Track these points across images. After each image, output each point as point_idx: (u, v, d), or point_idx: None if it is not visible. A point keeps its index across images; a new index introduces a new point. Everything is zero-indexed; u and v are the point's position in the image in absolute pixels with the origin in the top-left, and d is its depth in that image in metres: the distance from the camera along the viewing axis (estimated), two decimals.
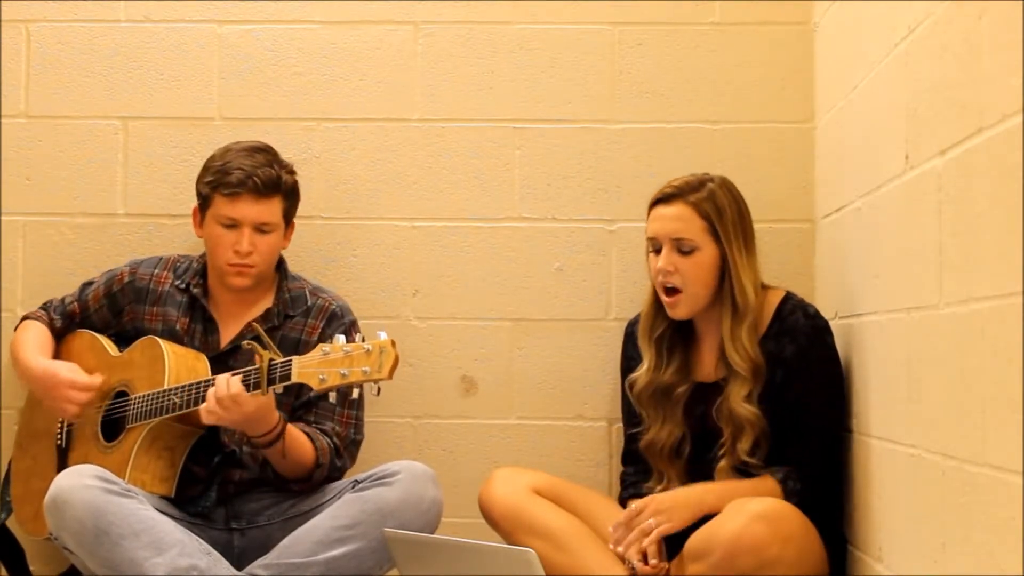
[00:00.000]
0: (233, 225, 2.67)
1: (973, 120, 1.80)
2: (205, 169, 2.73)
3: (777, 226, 2.96)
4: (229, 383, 2.45)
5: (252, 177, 2.64)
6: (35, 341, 2.80)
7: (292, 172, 2.75)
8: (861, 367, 2.50)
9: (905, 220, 2.17)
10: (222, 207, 2.67)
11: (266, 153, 2.72)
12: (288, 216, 2.74)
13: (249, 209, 2.65)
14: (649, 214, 2.63)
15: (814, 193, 3.00)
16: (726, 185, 2.61)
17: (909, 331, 2.13)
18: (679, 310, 2.60)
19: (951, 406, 1.89)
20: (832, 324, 2.62)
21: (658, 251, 2.60)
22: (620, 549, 2.46)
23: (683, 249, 2.56)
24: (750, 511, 2.33)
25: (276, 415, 2.52)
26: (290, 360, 2.41)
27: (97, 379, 2.68)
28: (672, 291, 2.59)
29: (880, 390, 2.36)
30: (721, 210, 2.56)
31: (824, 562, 2.45)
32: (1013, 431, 1.62)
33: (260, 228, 2.67)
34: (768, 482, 2.48)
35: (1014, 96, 1.64)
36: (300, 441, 2.59)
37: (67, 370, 2.69)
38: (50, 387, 2.69)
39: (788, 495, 2.46)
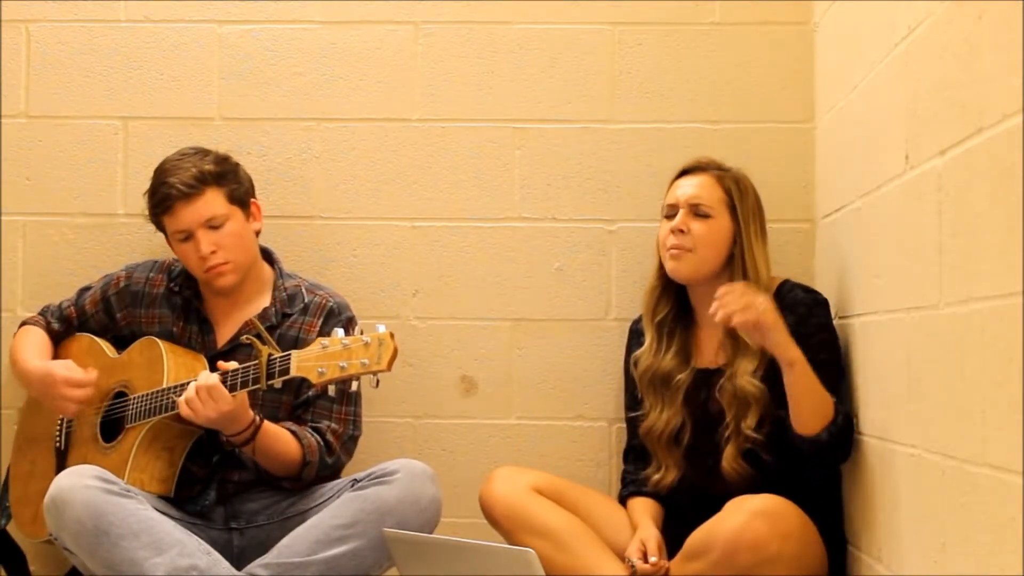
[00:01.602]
0: (187, 236, 2.67)
1: (973, 120, 1.80)
2: (146, 201, 2.73)
3: (777, 226, 2.95)
4: (208, 376, 2.47)
5: (174, 186, 2.65)
6: (33, 345, 2.81)
7: (221, 160, 2.72)
8: (861, 367, 2.50)
9: (905, 220, 2.17)
10: (169, 225, 2.69)
11: (189, 156, 2.71)
12: (237, 199, 2.71)
13: (187, 214, 2.65)
14: (671, 186, 2.68)
15: (814, 193, 3.00)
16: (747, 177, 2.69)
17: (909, 331, 2.13)
18: (682, 265, 2.61)
19: (951, 406, 1.89)
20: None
21: (671, 218, 2.62)
22: (720, 313, 2.38)
23: (699, 213, 2.61)
24: (750, 508, 2.33)
25: (250, 415, 2.53)
26: (289, 354, 2.42)
27: (93, 374, 2.69)
28: (679, 250, 2.61)
29: (880, 390, 2.36)
30: (744, 192, 2.64)
31: (823, 560, 2.46)
32: (1013, 431, 1.62)
33: (210, 225, 2.67)
34: (825, 391, 2.45)
35: (1014, 96, 1.64)
36: (282, 440, 2.59)
37: (63, 368, 2.70)
38: (48, 385, 2.69)
39: (838, 412, 2.43)
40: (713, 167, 2.67)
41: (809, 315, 2.56)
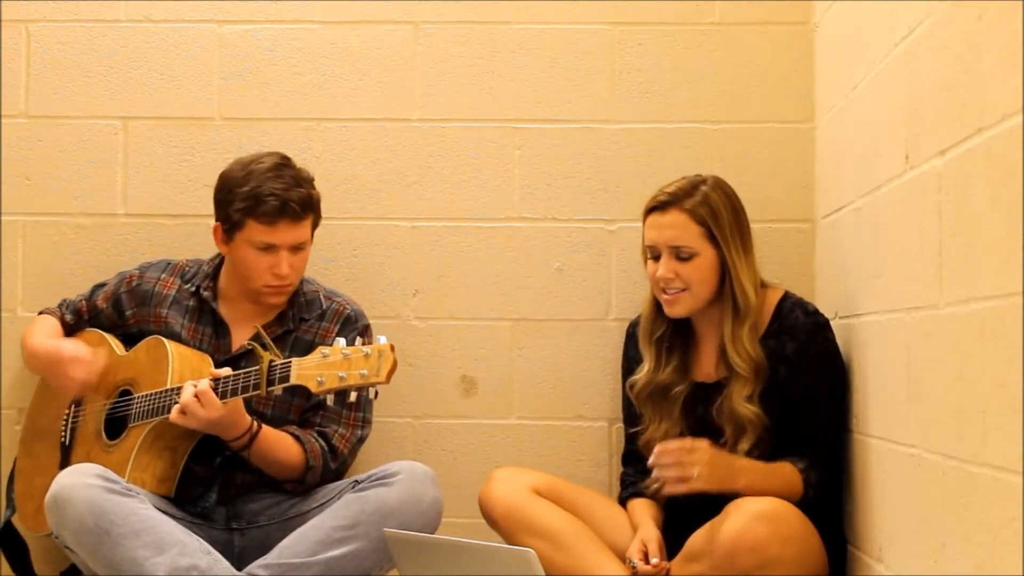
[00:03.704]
0: (270, 248, 2.64)
1: (973, 120, 1.80)
2: (231, 191, 2.64)
3: (777, 226, 2.96)
4: (199, 382, 2.48)
5: (288, 203, 2.60)
6: (44, 330, 2.82)
7: (313, 184, 2.70)
8: (861, 367, 2.50)
9: (905, 220, 2.17)
10: (257, 233, 2.63)
11: (290, 169, 2.67)
12: (315, 228, 2.74)
13: (287, 234, 2.63)
14: (645, 221, 2.63)
15: (814, 193, 3.00)
16: (719, 185, 2.61)
17: (909, 331, 2.13)
18: (678, 308, 2.60)
19: (951, 406, 1.89)
20: (832, 324, 2.62)
21: (656, 258, 2.60)
22: (655, 472, 2.44)
23: (682, 256, 2.57)
24: (750, 511, 2.33)
25: (246, 420, 2.54)
26: (289, 362, 2.42)
27: (100, 355, 2.70)
28: (673, 292, 2.60)
29: (880, 390, 2.36)
30: (717, 213, 2.56)
31: (824, 562, 2.46)
32: (1013, 431, 1.62)
33: (296, 248, 2.66)
34: (790, 469, 2.48)
35: (1014, 96, 1.64)
36: (283, 446, 2.60)
37: (71, 347, 2.71)
38: (54, 363, 2.71)
39: (807, 486, 2.47)
40: (681, 196, 2.57)
41: (810, 342, 2.55)
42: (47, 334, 2.81)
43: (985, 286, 1.75)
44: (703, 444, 2.42)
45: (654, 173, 2.95)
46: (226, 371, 2.50)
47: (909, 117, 2.15)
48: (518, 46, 3.06)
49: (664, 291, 2.60)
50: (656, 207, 2.60)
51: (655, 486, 2.56)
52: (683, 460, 2.39)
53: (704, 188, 2.58)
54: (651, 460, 2.44)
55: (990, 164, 1.74)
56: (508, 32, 3.06)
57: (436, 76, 3.07)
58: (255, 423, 2.56)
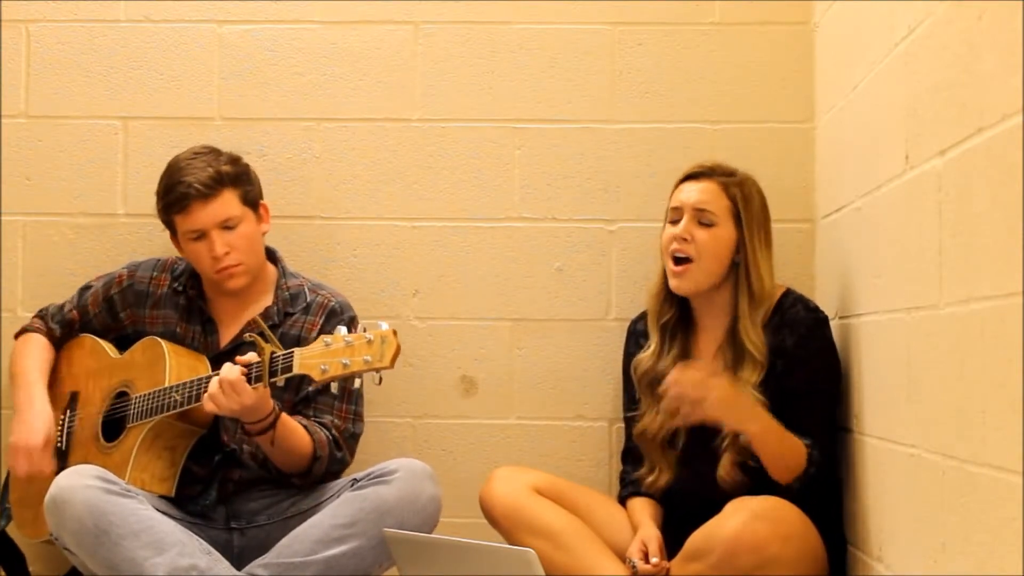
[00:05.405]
0: (200, 236, 2.67)
1: (973, 120, 1.80)
2: (157, 198, 2.73)
3: (777, 226, 2.93)
4: (231, 370, 2.46)
5: (192, 185, 2.64)
6: (32, 355, 2.80)
7: (235, 161, 2.73)
8: (861, 367, 2.50)
9: (905, 220, 2.17)
10: (182, 224, 2.68)
11: (203, 155, 2.70)
12: (250, 202, 2.72)
13: (203, 214, 2.65)
14: (675, 189, 2.67)
15: (814, 193, 3.00)
16: (753, 180, 2.67)
17: (909, 331, 2.13)
18: (684, 281, 2.60)
19: (951, 406, 1.89)
20: (832, 324, 2.63)
21: (676, 223, 2.61)
22: (668, 399, 2.42)
23: (703, 221, 2.59)
24: (750, 510, 2.33)
25: (271, 404, 2.53)
26: (292, 352, 2.41)
27: (48, 469, 2.66)
28: (682, 261, 2.60)
29: (880, 390, 2.36)
30: (748, 198, 2.62)
31: (824, 561, 2.46)
32: (1013, 431, 1.62)
33: (225, 226, 2.67)
34: (800, 441, 2.47)
35: (1014, 96, 1.64)
36: (297, 433, 2.59)
37: (36, 431, 2.67)
38: (22, 433, 2.67)
39: (810, 462, 2.46)
40: (718, 172, 2.64)
41: (810, 336, 2.55)
42: (38, 366, 2.78)
43: (985, 286, 1.75)
44: (716, 381, 2.44)
45: (654, 173, 2.96)
46: (253, 357, 2.47)
47: (909, 117, 2.15)
48: (518, 46, 3.06)
49: (675, 258, 2.60)
50: (692, 175, 2.66)
51: (663, 418, 2.53)
52: (701, 383, 2.40)
53: (741, 174, 2.66)
54: (664, 385, 2.43)
55: (990, 164, 1.74)
56: (508, 32, 3.06)
57: (436, 76, 3.07)
58: (277, 406, 2.54)
